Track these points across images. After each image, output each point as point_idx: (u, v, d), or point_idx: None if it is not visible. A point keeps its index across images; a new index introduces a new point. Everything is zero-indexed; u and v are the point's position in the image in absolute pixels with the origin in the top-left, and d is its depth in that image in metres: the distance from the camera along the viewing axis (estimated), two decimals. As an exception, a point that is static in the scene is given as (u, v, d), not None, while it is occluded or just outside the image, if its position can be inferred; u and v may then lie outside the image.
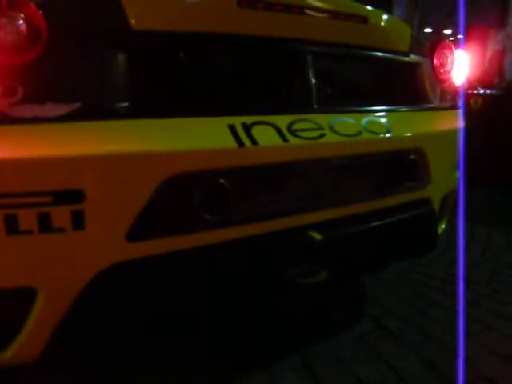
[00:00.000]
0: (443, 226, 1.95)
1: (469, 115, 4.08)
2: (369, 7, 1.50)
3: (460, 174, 1.90)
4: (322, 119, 1.28)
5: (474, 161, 3.94)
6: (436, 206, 1.71)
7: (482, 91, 4.55)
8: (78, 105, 0.99)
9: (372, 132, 1.36)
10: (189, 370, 1.55)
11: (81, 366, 1.54)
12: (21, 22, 0.96)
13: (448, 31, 12.90)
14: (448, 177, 1.80)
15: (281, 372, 1.55)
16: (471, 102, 4.31)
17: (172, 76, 1.17)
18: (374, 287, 2.21)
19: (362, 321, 1.89)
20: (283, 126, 1.20)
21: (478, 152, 4.03)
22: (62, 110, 0.98)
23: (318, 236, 1.29)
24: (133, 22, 1.06)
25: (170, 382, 1.50)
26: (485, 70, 5.69)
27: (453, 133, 1.74)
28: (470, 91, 4.57)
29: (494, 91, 4.49)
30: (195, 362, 1.59)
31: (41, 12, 0.97)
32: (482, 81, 5.15)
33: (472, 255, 2.65)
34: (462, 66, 1.84)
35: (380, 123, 1.41)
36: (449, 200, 1.88)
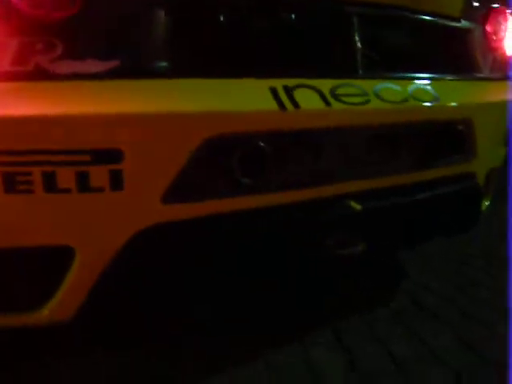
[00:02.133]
0: (487, 202, 1.87)
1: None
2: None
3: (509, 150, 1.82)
4: (367, 85, 1.23)
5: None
6: (481, 180, 1.64)
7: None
8: (117, 62, 0.97)
9: (419, 100, 1.29)
10: (219, 342, 1.54)
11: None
12: (61, -24, 0.94)
13: (495, 5, 12.37)
14: (495, 151, 1.72)
15: (313, 345, 1.53)
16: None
17: (213, 36, 1.13)
18: (413, 263, 2.16)
19: (398, 297, 1.85)
20: (326, 90, 1.15)
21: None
22: (101, 66, 0.96)
23: (357, 206, 1.25)
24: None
25: (200, 354, 1.50)
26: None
27: (503, 105, 1.65)
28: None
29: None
30: (226, 334, 1.59)
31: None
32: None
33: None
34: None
35: (427, 91, 1.34)
36: (494, 176, 1.80)
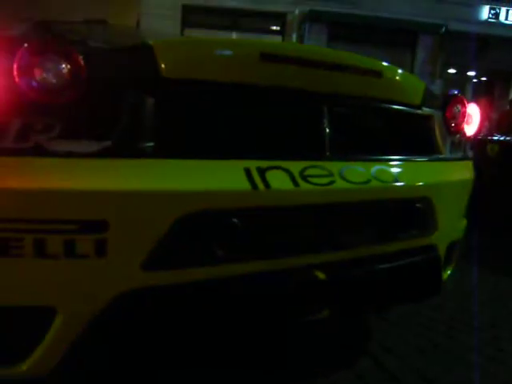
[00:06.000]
0: (449, 272, 1.99)
1: (484, 162, 4.12)
2: (384, 63, 1.58)
3: (469, 221, 1.95)
4: (333, 166, 1.36)
5: (488, 207, 3.97)
6: (442, 252, 1.75)
7: (499, 138, 4.57)
8: (108, 143, 1.10)
9: (380, 180, 1.43)
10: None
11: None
12: (63, 66, 1.07)
13: (472, 73, 13.02)
14: (455, 225, 1.85)
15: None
16: (487, 148, 4.35)
17: (196, 121, 1.26)
18: (378, 327, 2.25)
19: (361, 358, 1.93)
20: (296, 171, 1.28)
21: (493, 198, 4.06)
22: (93, 147, 1.08)
23: (322, 275, 1.35)
24: (164, 71, 1.17)
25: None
26: (506, 116, 5.73)
27: (461, 183, 1.80)
28: (488, 138, 4.60)
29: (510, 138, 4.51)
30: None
31: (82, 59, 1.08)
32: (501, 127, 5.20)
33: (478, 301, 2.67)
34: (473, 119, 1.91)
35: (389, 172, 1.48)
36: (455, 247, 1.93)
